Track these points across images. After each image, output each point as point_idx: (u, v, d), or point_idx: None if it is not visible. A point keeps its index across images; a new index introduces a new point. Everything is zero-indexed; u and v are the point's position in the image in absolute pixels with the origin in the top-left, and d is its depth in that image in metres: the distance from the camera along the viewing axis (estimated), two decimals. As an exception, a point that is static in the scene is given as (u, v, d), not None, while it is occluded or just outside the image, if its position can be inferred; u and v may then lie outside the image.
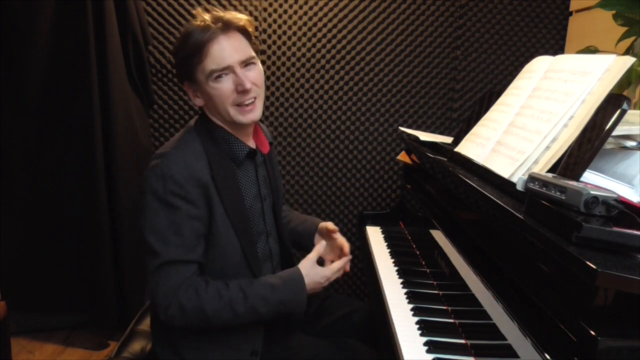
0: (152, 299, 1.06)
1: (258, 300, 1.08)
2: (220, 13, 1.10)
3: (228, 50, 1.07)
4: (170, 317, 1.04)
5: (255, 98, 1.13)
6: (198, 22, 1.09)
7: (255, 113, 1.13)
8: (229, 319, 1.07)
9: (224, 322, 1.08)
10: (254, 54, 1.13)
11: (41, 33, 1.86)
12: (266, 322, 1.15)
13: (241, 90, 1.08)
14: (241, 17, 1.12)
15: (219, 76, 1.08)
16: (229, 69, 1.08)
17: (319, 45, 2.15)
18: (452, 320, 1.10)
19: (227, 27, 1.09)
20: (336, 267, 1.20)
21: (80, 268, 2.07)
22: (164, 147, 1.13)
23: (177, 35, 2.10)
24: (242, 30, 1.12)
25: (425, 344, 1.00)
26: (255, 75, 1.12)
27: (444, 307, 1.16)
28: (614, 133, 0.83)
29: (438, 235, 1.29)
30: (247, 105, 1.11)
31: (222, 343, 1.15)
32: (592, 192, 0.68)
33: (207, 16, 1.09)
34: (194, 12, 1.14)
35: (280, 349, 1.20)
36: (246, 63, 1.11)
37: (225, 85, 1.08)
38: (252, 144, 1.23)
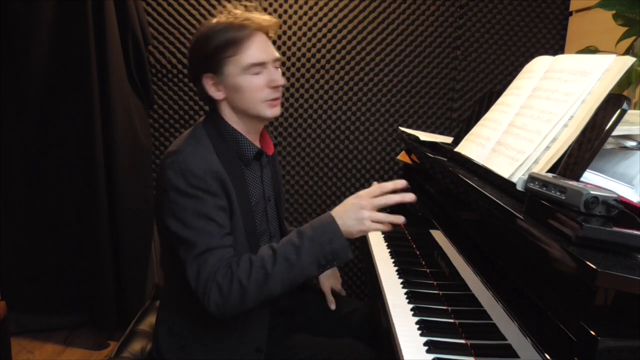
0: (194, 290, 1.00)
1: (286, 248, 0.99)
2: (249, 13, 1.15)
3: (265, 47, 1.13)
4: (213, 304, 0.98)
5: (278, 97, 1.17)
6: (231, 19, 1.12)
7: (279, 109, 1.18)
8: (266, 283, 0.98)
9: (263, 289, 0.98)
10: None
11: (41, 33, 1.86)
12: (311, 273, 1.00)
13: (274, 85, 1.13)
14: (272, 20, 1.17)
15: (256, 71, 1.11)
16: (264, 65, 1.12)
17: (319, 45, 2.15)
18: (452, 320, 1.10)
19: (261, 28, 1.14)
20: (372, 190, 1.04)
21: (80, 268, 2.07)
22: (174, 145, 1.12)
23: (177, 35, 2.13)
24: (268, 35, 1.18)
25: (425, 344, 1.00)
26: (281, 77, 1.17)
27: (444, 307, 1.16)
28: (614, 133, 0.83)
29: (438, 235, 1.29)
30: (274, 100, 1.15)
31: (227, 342, 1.15)
32: (592, 192, 0.68)
33: (238, 12, 1.14)
34: (223, 8, 1.18)
35: (281, 348, 1.20)
36: (276, 64, 1.17)
37: (260, 80, 1.12)
38: (258, 144, 1.24)
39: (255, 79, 1.12)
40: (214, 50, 1.10)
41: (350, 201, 1.03)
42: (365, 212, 1.00)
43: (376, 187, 1.04)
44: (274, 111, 1.16)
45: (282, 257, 0.99)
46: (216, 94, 1.15)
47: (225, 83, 1.13)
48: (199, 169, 1.04)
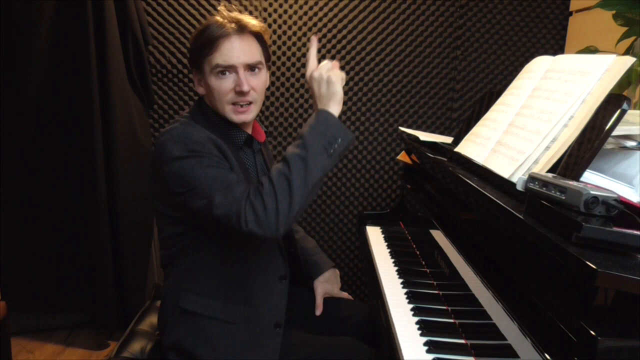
0: (227, 217, 0.98)
1: (293, 150, 1.00)
2: (240, 15, 1.15)
3: (237, 50, 1.11)
4: (251, 222, 0.96)
5: (251, 103, 1.16)
6: (217, 18, 1.13)
7: (249, 115, 1.16)
8: (290, 186, 0.97)
9: (291, 193, 0.97)
10: (262, 60, 1.17)
11: (41, 33, 1.86)
12: (325, 163, 1.01)
13: (238, 90, 1.12)
14: (257, 24, 1.16)
15: (222, 72, 1.12)
16: (232, 68, 1.12)
17: (318, 45, 2.14)
18: (452, 320, 1.10)
19: (242, 29, 1.13)
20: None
21: (80, 268, 2.08)
22: (165, 129, 1.11)
23: (177, 35, 2.13)
24: (257, 36, 1.16)
25: (426, 344, 1.00)
26: (256, 82, 1.15)
27: (444, 307, 1.16)
28: (614, 133, 0.83)
29: (438, 235, 1.29)
30: (241, 106, 1.14)
31: (246, 317, 1.15)
32: (592, 192, 0.68)
33: (225, 13, 1.14)
34: (218, 8, 1.18)
35: (281, 346, 1.19)
36: (252, 67, 1.14)
37: (226, 83, 1.12)
38: (249, 131, 1.25)
39: (222, 82, 1.12)
40: (195, 48, 1.13)
41: (314, 85, 1.08)
42: (324, 75, 1.06)
43: (311, 58, 1.11)
44: (240, 117, 1.15)
45: (293, 158, 0.99)
46: (199, 89, 1.19)
47: (204, 80, 1.15)
48: (198, 136, 1.06)
